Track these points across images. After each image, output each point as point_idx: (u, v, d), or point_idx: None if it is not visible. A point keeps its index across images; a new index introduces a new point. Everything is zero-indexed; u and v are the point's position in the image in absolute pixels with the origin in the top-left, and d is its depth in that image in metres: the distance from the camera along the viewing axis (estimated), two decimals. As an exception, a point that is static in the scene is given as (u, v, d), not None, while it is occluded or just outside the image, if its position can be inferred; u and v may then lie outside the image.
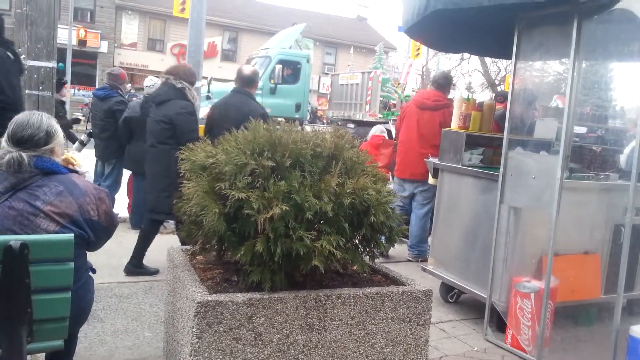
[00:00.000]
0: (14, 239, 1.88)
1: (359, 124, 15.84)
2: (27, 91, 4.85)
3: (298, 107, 15.48)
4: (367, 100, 16.02)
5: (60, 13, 4.85)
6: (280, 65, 15.20)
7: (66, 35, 20.77)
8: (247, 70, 4.83)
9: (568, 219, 3.54)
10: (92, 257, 2.42)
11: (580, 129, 6.53)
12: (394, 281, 2.79)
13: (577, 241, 3.91)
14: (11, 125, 2.18)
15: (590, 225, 3.94)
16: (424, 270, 4.58)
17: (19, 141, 2.15)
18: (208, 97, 13.08)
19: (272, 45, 16.72)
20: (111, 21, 26.39)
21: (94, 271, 2.46)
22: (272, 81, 15.03)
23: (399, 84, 19.25)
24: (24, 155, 2.11)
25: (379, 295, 2.53)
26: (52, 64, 4.91)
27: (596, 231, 3.96)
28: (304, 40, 23.38)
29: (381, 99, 16.16)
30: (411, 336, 2.61)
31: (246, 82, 4.72)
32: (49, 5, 4.79)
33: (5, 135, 2.17)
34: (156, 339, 3.36)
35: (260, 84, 13.74)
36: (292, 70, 15.60)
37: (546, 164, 3.45)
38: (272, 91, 14.83)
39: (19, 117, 2.21)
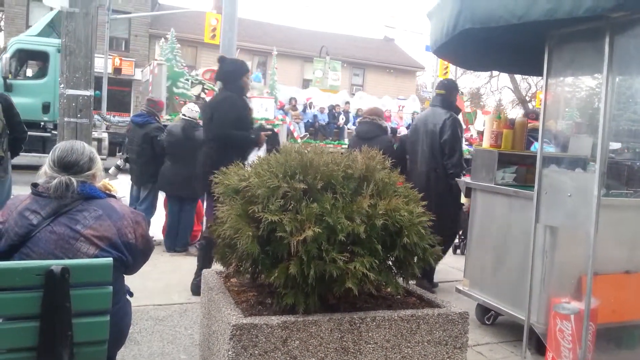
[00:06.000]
0: (56, 264, 1.93)
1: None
2: (65, 119, 5.02)
3: (46, 108, 12.35)
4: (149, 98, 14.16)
5: (96, 43, 5.05)
6: (16, 57, 12.39)
7: (102, 63, 21.45)
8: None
9: (607, 237, 3.44)
10: (127, 280, 2.46)
11: (616, 145, 6.39)
12: (429, 303, 2.76)
13: (618, 260, 3.79)
14: (55, 151, 2.27)
15: (631, 244, 3.82)
16: (459, 291, 4.51)
17: (65, 166, 2.23)
18: None
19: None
20: (145, 49, 27.15)
21: (131, 294, 2.50)
22: (10, 76, 12.13)
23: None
24: (73, 179, 2.18)
25: (415, 317, 2.50)
26: (90, 92, 5.08)
27: (637, 249, 3.84)
28: (332, 62, 23.51)
29: (180, 98, 14.09)
30: None
31: None
32: (87, 36, 4.98)
33: (49, 161, 2.25)
34: (191, 361, 3.38)
35: None
36: (41, 63, 12.78)
37: (582, 181, 3.38)
38: (8, 88, 11.57)
39: (62, 144, 2.30)
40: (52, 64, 12.42)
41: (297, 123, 17.34)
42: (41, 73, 12.76)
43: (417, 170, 5.20)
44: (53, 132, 12.40)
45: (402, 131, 19.23)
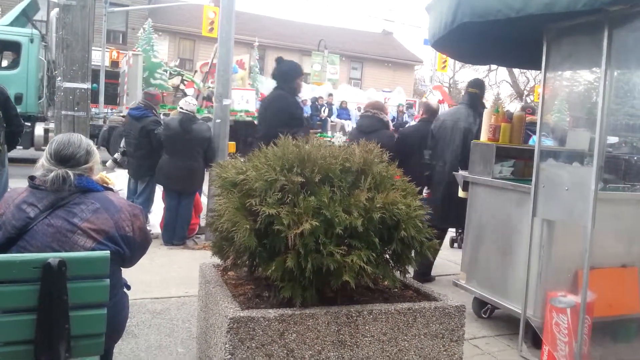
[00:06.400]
0: (53, 257, 1.93)
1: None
2: (63, 112, 5.00)
3: (19, 99, 11.64)
4: (125, 90, 13.20)
5: (93, 36, 5.04)
6: None
7: (99, 56, 21.32)
8: (435, 105, 6.27)
9: (604, 231, 3.45)
10: (125, 273, 2.46)
11: (613, 139, 6.40)
12: (426, 297, 2.77)
13: (614, 254, 3.80)
14: (52, 144, 2.26)
15: (627, 238, 3.83)
16: (456, 285, 4.52)
17: (62, 159, 2.22)
18: None
19: None
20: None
21: (128, 287, 2.50)
22: None
23: (196, 71, 16.89)
24: (70, 172, 2.18)
25: (411, 311, 2.51)
26: (87, 85, 5.06)
27: (634, 244, 3.85)
28: (330, 55, 23.42)
29: (156, 89, 13.31)
30: (444, 353, 2.57)
31: (433, 113, 5.79)
32: (84, 29, 4.95)
33: (46, 154, 2.24)
34: (189, 354, 3.39)
35: None
36: (14, 53, 12.17)
37: (580, 175, 3.38)
38: None
39: (59, 137, 2.29)
40: (24, 54, 11.93)
41: None
42: (14, 64, 12.17)
43: (444, 166, 5.18)
44: (26, 123, 11.98)
45: None
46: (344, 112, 18.72)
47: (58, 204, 2.15)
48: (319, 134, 16.89)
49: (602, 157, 3.42)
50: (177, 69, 15.70)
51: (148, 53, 14.90)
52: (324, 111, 18.20)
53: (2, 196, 2.32)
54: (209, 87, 15.29)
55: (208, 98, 14.36)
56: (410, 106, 20.06)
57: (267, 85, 17.64)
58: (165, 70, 15.03)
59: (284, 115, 4.64)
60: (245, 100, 15.20)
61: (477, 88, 5.33)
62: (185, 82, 15.51)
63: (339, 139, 5.38)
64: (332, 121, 18.21)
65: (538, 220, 3.66)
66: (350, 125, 18.22)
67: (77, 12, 4.86)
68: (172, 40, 28.45)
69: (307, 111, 17.86)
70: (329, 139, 16.75)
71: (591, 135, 3.79)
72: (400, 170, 2.85)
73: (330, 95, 18.89)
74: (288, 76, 4.89)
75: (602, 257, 3.60)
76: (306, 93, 18.74)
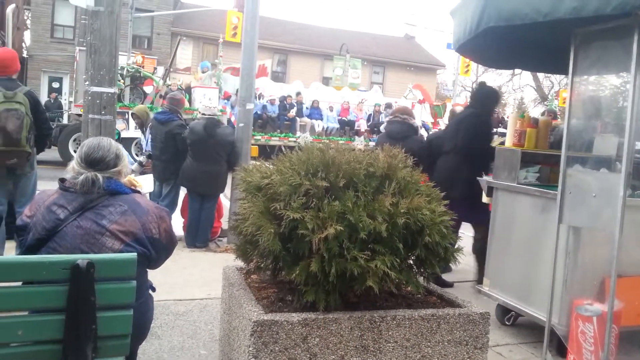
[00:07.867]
0: (81, 258, 1.96)
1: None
2: (90, 116, 5.09)
3: None
4: (74, 87, 12.62)
5: (120, 41, 5.16)
6: None
7: (125, 61, 21.64)
8: (459, 109, 6.36)
9: (631, 238, 3.39)
10: (148, 274, 2.49)
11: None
12: (450, 303, 2.75)
13: (643, 262, 3.72)
14: (83, 148, 2.31)
15: (657, 246, 3.75)
16: (479, 291, 4.47)
17: (92, 162, 2.27)
18: None
19: None
20: (167, 47, 27.37)
21: (154, 289, 2.53)
22: None
23: (155, 69, 16.66)
24: (99, 175, 2.22)
25: (435, 317, 2.49)
26: (114, 90, 5.14)
27: (663, 252, 3.76)
28: (352, 60, 23.39)
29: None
30: None
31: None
32: (111, 35, 5.04)
33: (77, 157, 2.30)
34: (211, 356, 3.41)
35: None
36: None
37: (607, 181, 3.32)
38: None
39: (89, 141, 2.34)
40: None
41: None
42: None
43: None
44: None
45: (362, 125, 18.18)
46: (315, 112, 18.03)
47: (87, 206, 2.19)
48: (284, 134, 16.61)
49: (631, 163, 3.36)
50: (135, 66, 15.52)
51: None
52: (293, 111, 17.58)
53: (31, 198, 2.37)
54: (168, 84, 15.02)
55: (165, 96, 14.14)
56: (389, 106, 19.13)
57: (232, 83, 16.87)
58: (122, 68, 14.80)
59: (482, 132, 5.05)
60: (208, 98, 14.70)
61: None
62: (144, 80, 15.35)
63: (304, 139, 5.29)
64: (301, 121, 17.66)
65: (564, 227, 3.60)
66: (320, 125, 17.73)
67: (105, 18, 4.95)
68: (195, 45, 28.78)
69: (275, 110, 17.28)
70: (294, 139, 16.36)
71: (619, 140, 3.72)
72: (425, 175, 2.84)
73: (299, 94, 18.25)
74: (489, 100, 5.31)
75: (630, 264, 3.53)
76: (274, 92, 18.22)
